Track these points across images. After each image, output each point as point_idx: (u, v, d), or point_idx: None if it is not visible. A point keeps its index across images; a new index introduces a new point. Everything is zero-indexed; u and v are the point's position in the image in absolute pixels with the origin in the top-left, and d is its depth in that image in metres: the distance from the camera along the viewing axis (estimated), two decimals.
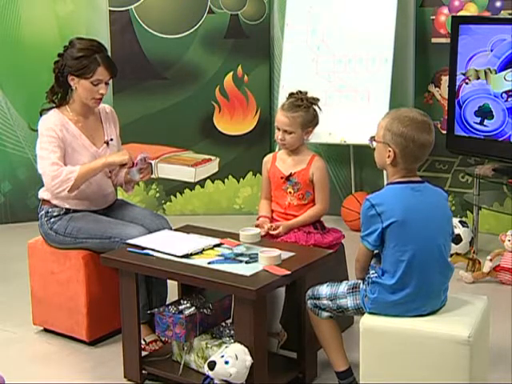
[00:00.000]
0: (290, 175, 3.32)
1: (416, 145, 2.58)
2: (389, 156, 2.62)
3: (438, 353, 2.52)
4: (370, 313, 2.68)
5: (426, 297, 2.62)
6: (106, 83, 3.39)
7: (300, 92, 3.32)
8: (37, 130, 3.41)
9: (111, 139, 3.54)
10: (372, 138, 2.71)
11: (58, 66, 3.40)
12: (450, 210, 2.79)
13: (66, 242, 3.39)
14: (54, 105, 3.44)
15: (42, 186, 3.44)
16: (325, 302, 2.81)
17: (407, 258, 2.57)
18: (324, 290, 2.83)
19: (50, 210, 3.44)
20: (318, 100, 3.32)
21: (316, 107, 3.32)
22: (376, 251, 2.69)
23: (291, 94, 3.34)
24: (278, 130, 3.31)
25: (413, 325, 2.59)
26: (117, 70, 3.42)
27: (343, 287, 2.79)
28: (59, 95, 3.43)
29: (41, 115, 3.44)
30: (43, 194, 3.48)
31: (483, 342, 2.71)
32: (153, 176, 3.64)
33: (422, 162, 2.68)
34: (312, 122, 3.30)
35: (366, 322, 2.66)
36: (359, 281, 2.76)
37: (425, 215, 2.60)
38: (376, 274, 2.66)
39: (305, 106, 3.27)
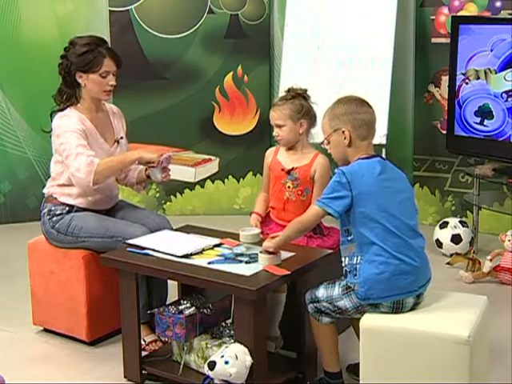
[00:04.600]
0: (292, 169, 3.32)
1: (361, 114, 2.78)
2: (345, 137, 2.76)
3: (437, 353, 2.52)
4: (365, 299, 2.68)
5: (416, 261, 2.67)
6: (114, 74, 3.39)
7: (291, 87, 3.35)
8: (50, 131, 3.41)
9: (121, 137, 3.54)
10: (323, 142, 2.85)
11: (64, 67, 3.39)
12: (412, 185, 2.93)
13: (67, 240, 3.39)
14: (65, 106, 3.40)
15: (43, 185, 3.43)
16: (324, 304, 2.81)
17: (385, 225, 2.65)
18: (320, 292, 2.83)
19: (53, 208, 3.43)
20: (304, 90, 3.33)
21: (305, 98, 3.31)
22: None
23: (285, 91, 3.38)
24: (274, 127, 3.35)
25: (413, 325, 2.60)
26: (121, 61, 3.42)
27: (337, 289, 2.79)
28: (69, 95, 3.40)
29: (51, 117, 3.42)
30: (51, 189, 3.46)
31: (483, 341, 2.71)
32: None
33: (372, 130, 2.81)
34: (300, 112, 3.28)
35: (366, 322, 2.66)
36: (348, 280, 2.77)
37: (394, 187, 2.72)
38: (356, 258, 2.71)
39: (290, 98, 3.30)
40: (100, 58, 3.34)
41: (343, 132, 2.75)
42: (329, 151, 2.85)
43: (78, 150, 3.25)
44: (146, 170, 3.46)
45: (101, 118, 3.48)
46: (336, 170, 2.73)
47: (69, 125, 3.31)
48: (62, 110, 3.40)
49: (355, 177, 2.68)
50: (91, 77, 3.35)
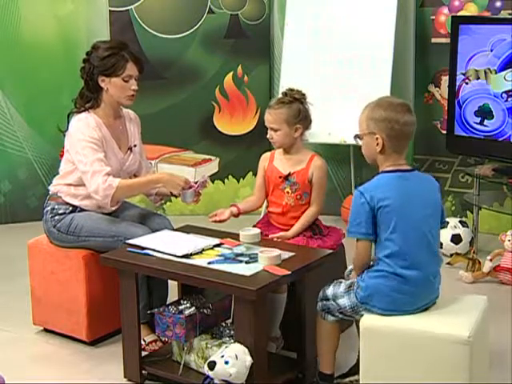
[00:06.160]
0: (289, 175, 3.30)
1: (400, 124, 2.65)
2: (377, 144, 2.68)
3: (438, 353, 2.52)
4: (362, 303, 2.69)
5: (419, 285, 2.64)
6: (136, 79, 3.39)
7: (289, 89, 3.30)
8: (64, 131, 3.41)
9: (134, 145, 3.52)
10: (356, 136, 2.77)
11: (86, 71, 3.37)
12: (441, 197, 2.83)
13: (68, 240, 3.39)
14: (84, 109, 3.39)
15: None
16: (330, 301, 2.82)
17: (396, 244, 2.62)
18: (329, 289, 2.84)
19: (57, 206, 3.43)
20: (303, 95, 3.27)
21: (303, 103, 3.26)
22: None
23: (282, 93, 3.33)
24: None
25: (413, 325, 2.59)
26: (144, 66, 3.43)
27: (342, 287, 2.81)
28: (90, 100, 3.38)
29: (68, 118, 3.41)
30: (57, 187, 3.45)
31: (483, 341, 2.71)
32: None
33: (408, 142, 2.72)
34: (297, 117, 3.22)
35: (366, 322, 2.66)
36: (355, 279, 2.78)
37: (412, 202, 2.65)
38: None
39: (287, 102, 3.23)
40: (123, 61, 3.33)
41: (377, 138, 2.67)
42: (359, 143, 2.79)
43: (93, 168, 3.24)
44: None
45: (117, 124, 3.46)
46: (355, 192, 2.70)
47: (86, 132, 3.29)
48: (80, 112, 3.38)
49: (374, 194, 2.64)
50: (114, 81, 3.34)
